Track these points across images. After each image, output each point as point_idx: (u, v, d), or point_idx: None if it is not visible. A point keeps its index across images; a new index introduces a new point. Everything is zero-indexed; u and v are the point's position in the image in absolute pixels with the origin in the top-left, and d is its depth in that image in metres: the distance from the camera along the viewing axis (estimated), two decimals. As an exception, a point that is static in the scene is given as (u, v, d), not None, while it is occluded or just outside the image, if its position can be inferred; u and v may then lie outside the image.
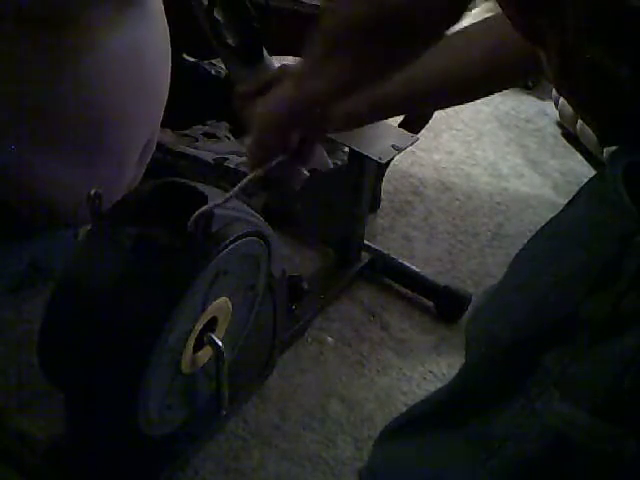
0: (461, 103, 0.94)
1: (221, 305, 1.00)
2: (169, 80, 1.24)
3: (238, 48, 0.95)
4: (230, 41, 0.94)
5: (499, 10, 0.60)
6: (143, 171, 1.30)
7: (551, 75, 0.56)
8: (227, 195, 0.80)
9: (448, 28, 0.63)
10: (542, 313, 0.57)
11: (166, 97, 1.25)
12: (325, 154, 0.87)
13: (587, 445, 0.53)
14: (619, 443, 0.52)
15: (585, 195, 0.59)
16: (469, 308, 1.66)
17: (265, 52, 0.98)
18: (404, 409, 1.40)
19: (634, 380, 0.50)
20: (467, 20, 1.83)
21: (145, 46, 1.12)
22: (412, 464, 0.71)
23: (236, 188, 0.78)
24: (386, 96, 0.83)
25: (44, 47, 0.99)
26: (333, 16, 0.64)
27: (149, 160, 1.32)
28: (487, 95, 0.92)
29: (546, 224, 0.61)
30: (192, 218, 0.85)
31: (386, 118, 1.10)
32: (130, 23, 1.08)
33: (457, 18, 0.61)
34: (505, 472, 0.60)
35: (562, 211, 0.60)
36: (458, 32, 0.86)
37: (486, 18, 0.81)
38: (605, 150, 0.58)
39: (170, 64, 1.23)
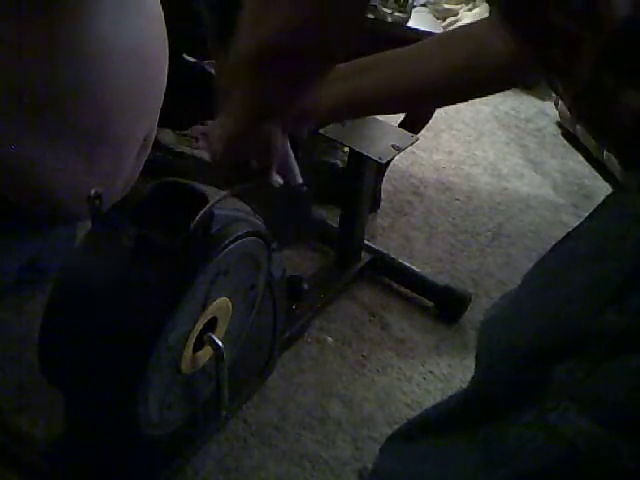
0: (439, 106, 0.94)
1: (221, 305, 1.00)
2: (166, 76, 1.24)
3: (212, 23, 0.95)
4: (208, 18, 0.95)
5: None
6: (141, 167, 1.30)
7: (567, 104, 0.56)
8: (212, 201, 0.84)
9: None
10: (558, 324, 0.56)
11: (163, 92, 1.25)
12: (296, 168, 0.87)
13: (604, 460, 0.53)
14: (637, 458, 0.52)
15: (605, 208, 0.58)
16: (469, 308, 1.66)
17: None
18: (404, 409, 1.41)
19: None
20: (467, 19, 1.84)
21: (144, 40, 1.13)
22: (419, 471, 0.71)
23: (215, 200, 0.85)
24: (367, 94, 0.83)
25: (44, 38, 0.99)
26: (241, 49, 0.63)
27: (149, 160, 1.33)
28: (466, 100, 0.93)
29: (565, 237, 0.61)
30: (195, 220, 0.85)
31: (366, 115, 1.10)
32: (130, 17, 1.09)
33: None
34: None
35: (581, 224, 0.60)
36: (441, 36, 0.86)
37: (471, 24, 0.81)
38: (605, 154, 0.58)
39: (167, 61, 1.23)
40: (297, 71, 0.62)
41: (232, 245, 0.94)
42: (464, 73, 0.78)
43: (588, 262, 0.55)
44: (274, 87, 0.64)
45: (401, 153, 1.49)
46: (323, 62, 0.62)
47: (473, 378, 0.68)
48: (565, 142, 2.54)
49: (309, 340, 1.54)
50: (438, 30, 1.75)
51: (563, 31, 0.49)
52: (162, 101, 1.26)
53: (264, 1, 0.57)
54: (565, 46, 0.50)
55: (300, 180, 0.87)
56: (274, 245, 0.84)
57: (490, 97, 2.76)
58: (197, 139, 1.82)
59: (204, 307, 0.96)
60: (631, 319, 0.50)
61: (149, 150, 1.31)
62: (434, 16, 1.85)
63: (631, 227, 0.52)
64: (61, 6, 0.99)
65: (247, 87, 0.64)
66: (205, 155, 1.77)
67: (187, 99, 1.54)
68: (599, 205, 0.59)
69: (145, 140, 1.25)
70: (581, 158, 2.42)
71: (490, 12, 0.61)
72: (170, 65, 1.25)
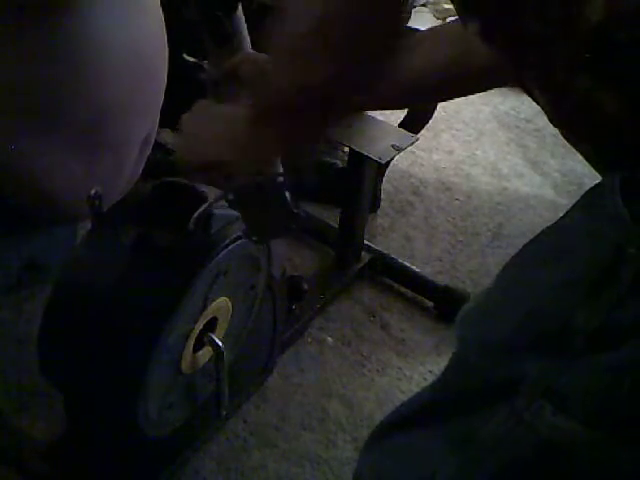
0: (428, 103, 0.96)
1: (221, 305, 1.00)
2: (166, 75, 1.24)
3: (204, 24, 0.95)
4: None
5: None
6: (142, 167, 1.30)
7: (544, 108, 0.57)
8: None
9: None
10: (531, 322, 0.56)
11: (163, 92, 1.25)
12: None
13: (581, 454, 0.54)
14: (614, 451, 0.52)
15: (581, 206, 0.59)
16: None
17: (239, 30, 0.96)
18: (404, 409, 1.41)
19: (630, 390, 0.50)
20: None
21: (142, 40, 1.13)
22: (393, 470, 0.71)
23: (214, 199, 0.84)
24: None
25: (42, 38, 0.99)
26: (265, 89, 0.67)
27: (149, 160, 1.32)
28: (453, 98, 0.94)
29: (541, 232, 0.61)
30: (193, 218, 0.85)
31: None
32: (127, 17, 1.09)
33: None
34: (492, 477, 0.60)
35: (558, 221, 0.60)
36: (425, 34, 0.86)
37: (455, 23, 0.82)
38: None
39: (167, 60, 1.23)
40: (328, 112, 0.65)
41: (232, 245, 0.94)
42: (447, 71, 0.79)
43: (562, 260, 0.56)
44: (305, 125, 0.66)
45: (401, 153, 1.49)
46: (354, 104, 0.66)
47: (445, 372, 0.69)
48: (565, 142, 2.53)
49: (309, 340, 1.54)
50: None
51: (539, 37, 0.50)
52: (162, 100, 1.26)
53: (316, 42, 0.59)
54: (541, 52, 0.51)
55: (279, 169, 0.85)
56: (254, 238, 0.84)
57: (490, 97, 2.76)
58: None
59: (204, 307, 0.96)
60: (603, 318, 0.51)
61: (150, 149, 1.30)
62: (434, 16, 1.85)
63: (605, 227, 0.52)
64: (58, 6, 0.99)
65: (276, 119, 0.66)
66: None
67: (187, 99, 1.54)
68: (576, 203, 0.59)
69: (146, 140, 1.25)
70: (581, 158, 2.41)
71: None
72: (170, 65, 1.25)
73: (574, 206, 0.59)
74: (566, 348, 0.53)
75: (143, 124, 1.21)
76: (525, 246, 0.62)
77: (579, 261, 0.54)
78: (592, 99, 0.50)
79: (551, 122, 0.60)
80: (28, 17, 0.98)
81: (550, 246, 0.59)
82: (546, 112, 0.58)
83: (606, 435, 0.52)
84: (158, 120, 1.29)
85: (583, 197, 0.59)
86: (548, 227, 0.60)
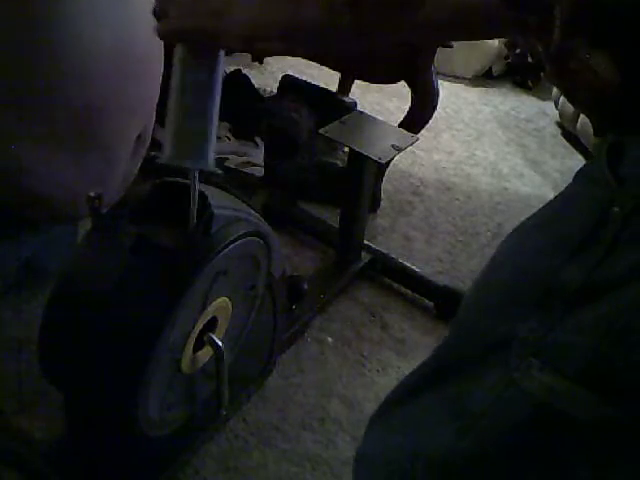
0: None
1: (221, 305, 1.00)
2: (161, 73, 1.24)
3: None
4: None
5: None
6: (138, 165, 1.29)
7: (546, 70, 0.58)
8: None
9: None
10: (522, 281, 0.58)
11: (158, 90, 1.24)
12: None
13: (568, 412, 0.54)
14: (599, 409, 0.53)
15: (579, 173, 0.61)
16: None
17: None
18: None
19: (610, 347, 0.51)
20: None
21: (132, 40, 1.12)
22: (392, 443, 0.71)
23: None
24: None
25: (33, 38, 0.99)
26: None
27: (149, 160, 1.32)
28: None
29: (538, 210, 0.64)
30: (193, 216, 0.85)
31: None
32: (114, 16, 1.08)
33: None
34: (487, 441, 0.60)
35: (561, 192, 0.63)
36: None
37: None
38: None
39: (162, 57, 1.23)
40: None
41: (232, 245, 0.94)
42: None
43: (555, 222, 0.59)
44: None
45: (401, 153, 1.49)
46: None
47: (442, 342, 0.69)
48: (565, 142, 2.55)
49: (309, 340, 1.54)
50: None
51: (536, 1, 0.51)
52: (157, 98, 1.25)
53: None
54: (538, 15, 0.52)
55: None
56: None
57: (490, 97, 2.76)
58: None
59: (204, 307, 0.96)
60: (588, 273, 0.52)
61: (146, 148, 1.30)
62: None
63: (594, 190, 0.54)
64: (45, 3, 0.99)
65: None
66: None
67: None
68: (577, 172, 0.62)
69: (139, 138, 1.24)
70: (581, 158, 2.42)
71: None
72: (169, 64, 1.25)
73: (574, 175, 0.61)
74: (554, 306, 0.54)
75: (135, 122, 1.21)
76: (527, 217, 0.63)
77: (569, 222, 0.56)
78: (589, 64, 0.51)
79: (550, 82, 0.61)
80: (15, 13, 0.98)
81: (547, 212, 0.62)
82: (549, 79, 0.59)
83: (591, 391, 0.53)
84: (153, 118, 1.28)
85: (584, 165, 0.61)
86: (544, 205, 0.63)
